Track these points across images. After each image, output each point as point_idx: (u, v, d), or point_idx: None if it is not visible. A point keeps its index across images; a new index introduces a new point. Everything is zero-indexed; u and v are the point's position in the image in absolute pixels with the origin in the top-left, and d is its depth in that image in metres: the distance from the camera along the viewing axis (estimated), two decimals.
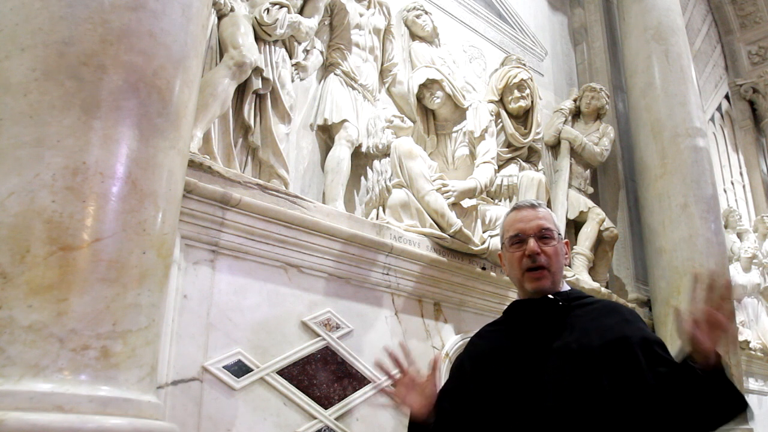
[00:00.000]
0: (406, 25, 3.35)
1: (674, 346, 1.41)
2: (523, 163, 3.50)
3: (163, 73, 1.39)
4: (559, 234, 1.56)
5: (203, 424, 1.85)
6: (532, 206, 1.59)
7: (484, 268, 2.86)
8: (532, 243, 1.50)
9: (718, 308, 1.29)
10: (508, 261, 1.57)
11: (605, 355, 1.39)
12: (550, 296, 1.50)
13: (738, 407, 1.33)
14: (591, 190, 4.00)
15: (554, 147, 4.00)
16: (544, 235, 1.52)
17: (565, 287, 1.57)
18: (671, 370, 1.38)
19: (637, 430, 1.35)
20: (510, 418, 1.38)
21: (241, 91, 2.34)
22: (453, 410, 1.49)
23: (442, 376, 1.57)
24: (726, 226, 5.12)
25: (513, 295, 2.88)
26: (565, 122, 3.99)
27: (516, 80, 3.46)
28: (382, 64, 3.08)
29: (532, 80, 3.56)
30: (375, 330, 2.40)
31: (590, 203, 3.85)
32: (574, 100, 4.15)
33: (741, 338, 4.46)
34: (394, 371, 1.53)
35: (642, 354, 1.40)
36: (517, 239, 1.53)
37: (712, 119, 5.99)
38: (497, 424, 1.39)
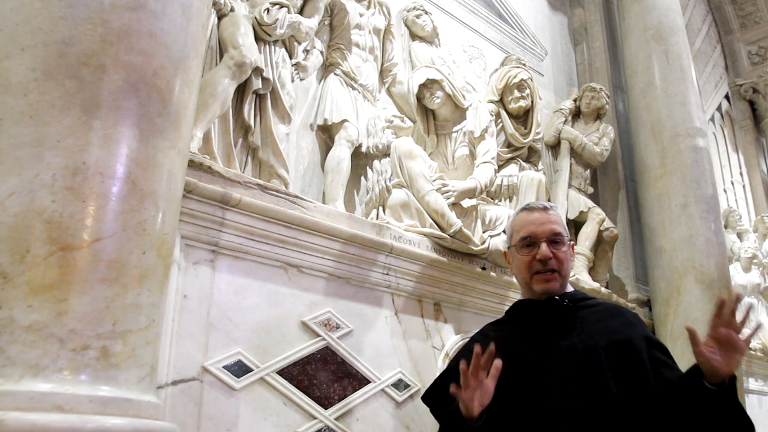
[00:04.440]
0: (406, 25, 3.35)
1: (673, 346, 1.41)
2: (523, 163, 3.50)
3: (163, 73, 1.39)
4: (569, 238, 1.56)
5: (203, 424, 1.85)
6: (545, 209, 1.57)
7: (484, 268, 2.86)
8: (544, 248, 1.49)
9: (738, 331, 1.28)
10: (516, 263, 1.55)
11: (610, 356, 1.39)
12: (555, 297, 1.50)
13: (743, 429, 1.31)
14: (591, 190, 4.00)
15: (554, 147, 4.00)
16: (555, 239, 1.52)
17: (570, 289, 1.57)
18: (672, 375, 1.37)
19: (641, 430, 1.35)
20: (516, 418, 1.38)
21: (241, 91, 2.34)
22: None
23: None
24: (726, 226, 5.12)
25: (513, 295, 2.88)
26: (565, 122, 3.99)
27: (516, 80, 3.46)
28: (382, 64, 3.08)
29: (532, 80, 3.56)
30: (375, 330, 2.40)
31: (590, 203, 3.85)
32: (574, 100, 4.15)
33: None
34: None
35: (646, 356, 1.41)
36: (528, 242, 1.52)
37: (712, 119, 5.99)
38: (503, 424, 1.40)
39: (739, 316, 1.28)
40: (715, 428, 1.30)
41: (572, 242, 1.61)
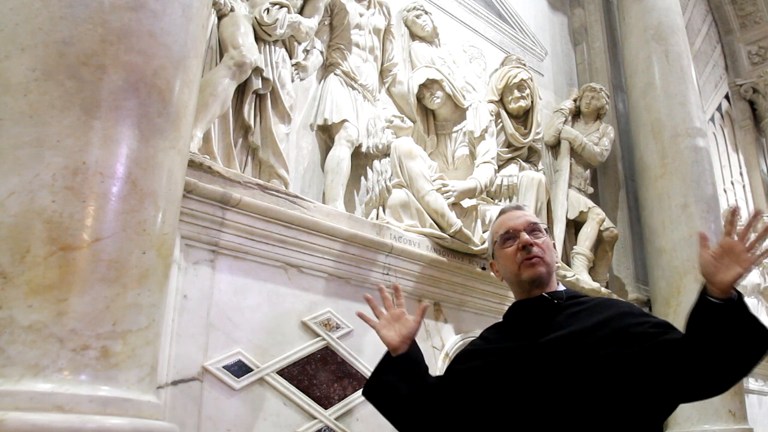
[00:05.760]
0: (406, 25, 3.35)
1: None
2: (523, 163, 3.50)
3: (163, 73, 1.39)
4: (547, 230, 1.60)
5: (203, 424, 1.85)
6: (518, 207, 1.65)
7: (484, 268, 2.86)
8: (524, 236, 1.54)
9: (747, 245, 1.25)
10: (502, 259, 1.59)
11: (603, 345, 1.39)
12: (545, 294, 1.51)
13: (760, 338, 1.24)
14: (591, 190, 4.00)
15: (554, 147, 4.00)
16: (534, 228, 1.56)
17: (561, 288, 1.58)
18: (677, 335, 1.34)
19: (639, 417, 1.35)
20: (507, 414, 1.39)
21: (241, 91, 2.34)
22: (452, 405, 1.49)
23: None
24: None
25: (512, 296, 2.87)
26: (565, 122, 3.99)
27: (516, 80, 3.46)
28: (382, 64, 3.08)
29: (532, 80, 3.56)
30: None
31: (590, 203, 3.85)
32: (574, 100, 4.15)
33: None
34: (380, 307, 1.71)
35: (642, 335, 1.38)
36: (508, 235, 1.56)
37: (712, 119, 5.98)
38: (494, 421, 1.40)
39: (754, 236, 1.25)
40: (728, 344, 1.24)
41: (553, 241, 1.65)
